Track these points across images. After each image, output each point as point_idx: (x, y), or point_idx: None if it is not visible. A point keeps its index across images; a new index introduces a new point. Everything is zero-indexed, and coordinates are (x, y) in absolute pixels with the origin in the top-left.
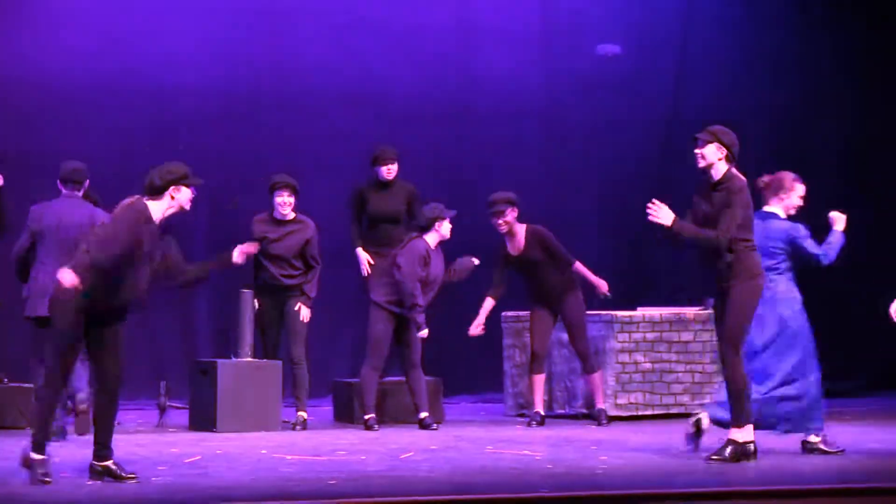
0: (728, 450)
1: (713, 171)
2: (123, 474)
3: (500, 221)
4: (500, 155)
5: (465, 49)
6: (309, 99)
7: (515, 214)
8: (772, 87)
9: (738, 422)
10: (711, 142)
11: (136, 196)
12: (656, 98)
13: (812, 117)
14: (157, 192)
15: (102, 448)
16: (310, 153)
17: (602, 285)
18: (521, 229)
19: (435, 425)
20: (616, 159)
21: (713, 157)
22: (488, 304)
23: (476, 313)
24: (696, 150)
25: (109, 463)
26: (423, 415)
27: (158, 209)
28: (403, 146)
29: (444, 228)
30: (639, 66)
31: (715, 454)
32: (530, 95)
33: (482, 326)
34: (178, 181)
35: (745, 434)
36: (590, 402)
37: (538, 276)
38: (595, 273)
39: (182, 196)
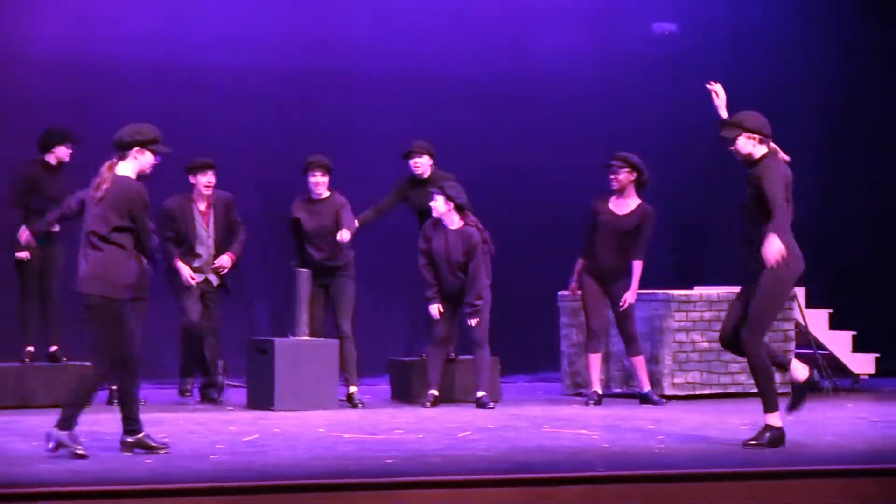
0: (767, 435)
1: (753, 157)
2: (155, 444)
3: (612, 178)
4: (553, 135)
5: (516, 28)
6: (357, 79)
7: (631, 178)
8: (828, 66)
9: (771, 406)
10: (739, 135)
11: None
12: (712, 76)
13: (863, 97)
14: (123, 149)
15: (132, 423)
16: (360, 133)
17: (628, 297)
18: (635, 198)
19: (491, 404)
20: (672, 138)
21: (748, 148)
22: (580, 265)
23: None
24: (731, 148)
25: (141, 436)
26: (480, 394)
27: (128, 169)
28: (453, 127)
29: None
30: (694, 45)
31: (752, 440)
32: (584, 74)
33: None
34: (145, 144)
35: (777, 418)
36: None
37: (613, 245)
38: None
39: (144, 160)
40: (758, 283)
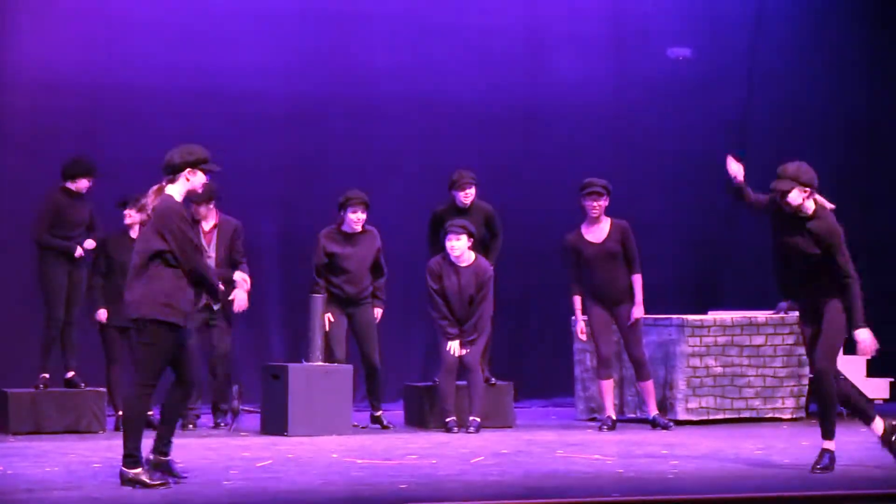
0: (826, 459)
1: (803, 209)
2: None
3: (595, 204)
4: (568, 159)
5: (535, 53)
6: (378, 104)
7: (606, 204)
8: (844, 90)
9: (828, 434)
10: (793, 188)
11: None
12: (728, 101)
13: (883, 121)
14: (174, 172)
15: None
16: (378, 158)
17: (635, 312)
18: (606, 220)
19: (472, 428)
20: (687, 163)
21: (799, 200)
22: (579, 302)
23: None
24: (782, 200)
25: (168, 459)
26: (472, 418)
27: (177, 191)
28: (473, 150)
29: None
30: (710, 69)
31: (818, 465)
32: (601, 99)
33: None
34: (196, 164)
35: (833, 445)
36: (659, 406)
37: (607, 271)
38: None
39: (196, 180)
40: (824, 315)
